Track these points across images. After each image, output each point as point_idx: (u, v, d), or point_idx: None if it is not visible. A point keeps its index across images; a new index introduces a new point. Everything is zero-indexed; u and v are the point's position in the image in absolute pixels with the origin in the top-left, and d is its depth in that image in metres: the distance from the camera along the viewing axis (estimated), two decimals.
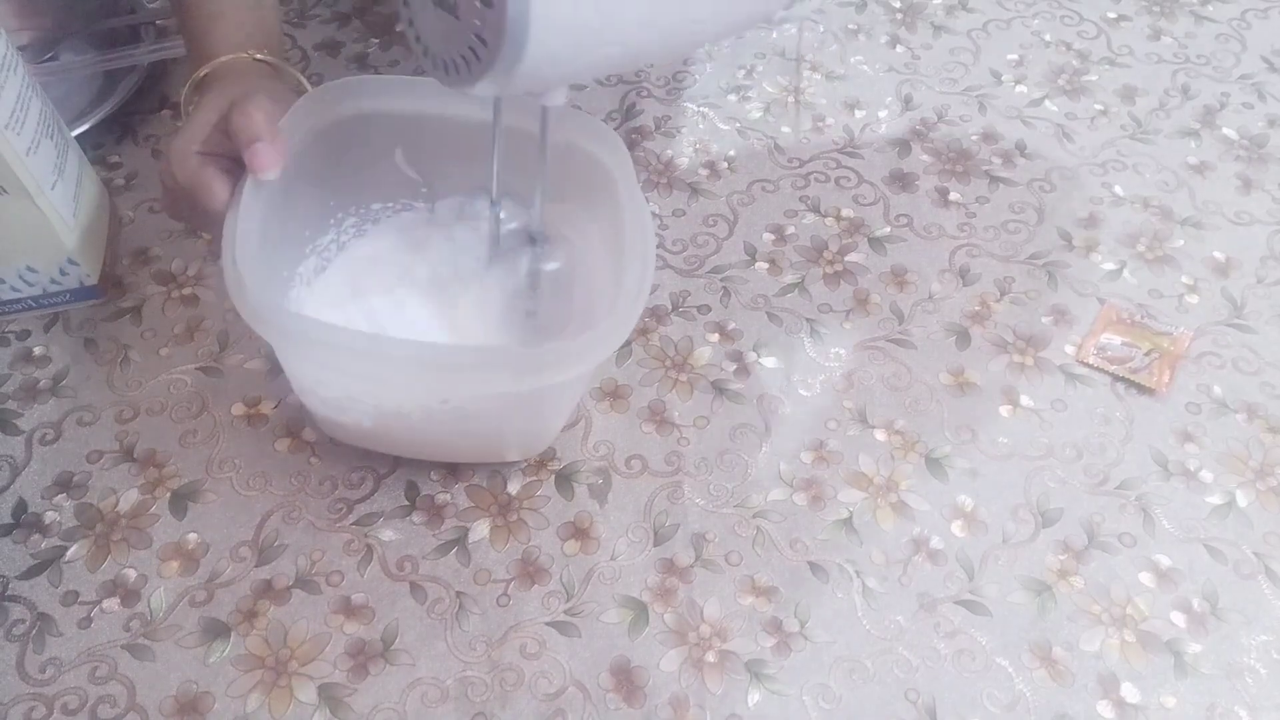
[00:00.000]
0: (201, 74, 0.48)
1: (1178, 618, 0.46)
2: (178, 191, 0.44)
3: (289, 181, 0.44)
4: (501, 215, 0.47)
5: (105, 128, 0.63)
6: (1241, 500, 0.49)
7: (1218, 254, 0.59)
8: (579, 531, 0.48)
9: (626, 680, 0.44)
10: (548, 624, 0.45)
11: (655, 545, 0.48)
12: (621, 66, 0.41)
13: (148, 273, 0.57)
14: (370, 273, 0.51)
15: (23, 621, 0.45)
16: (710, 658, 0.44)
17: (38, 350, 0.54)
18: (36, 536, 0.48)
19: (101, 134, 0.63)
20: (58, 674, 0.44)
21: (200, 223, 0.48)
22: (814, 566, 0.47)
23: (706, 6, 0.38)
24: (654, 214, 0.62)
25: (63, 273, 0.54)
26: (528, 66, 0.33)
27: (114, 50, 0.66)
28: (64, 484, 0.49)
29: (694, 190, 0.62)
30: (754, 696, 0.43)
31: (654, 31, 0.36)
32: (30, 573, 0.46)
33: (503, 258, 0.48)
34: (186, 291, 0.57)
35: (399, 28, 0.70)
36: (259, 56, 0.49)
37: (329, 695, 0.43)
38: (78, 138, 0.56)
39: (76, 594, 0.46)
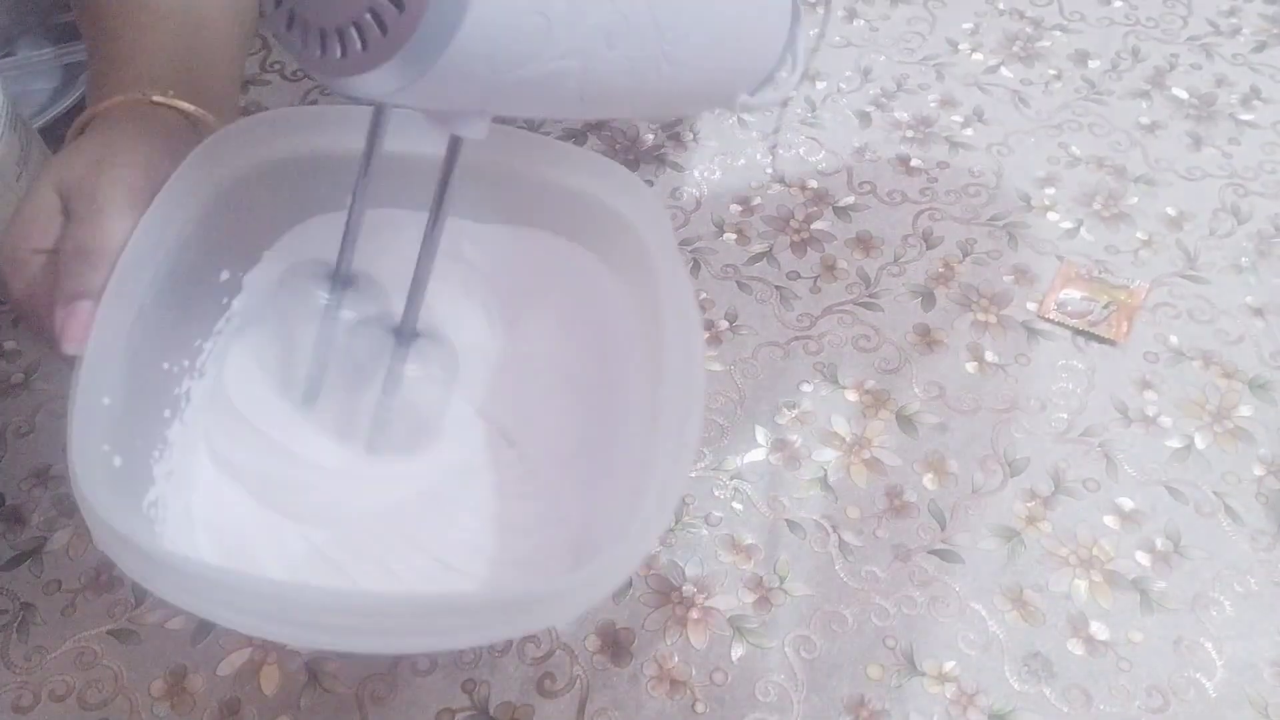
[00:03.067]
0: (81, 122, 0.37)
1: (1142, 557, 0.47)
2: (19, 305, 0.34)
3: (170, 283, 0.34)
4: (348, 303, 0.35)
5: (65, 121, 0.62)
6: (1200, 443, 0.51)
7: (1170, 209, 0.61)
8: None
9: (612, 641, 0.44)
10: None
11: None
12: (559, 99, 0.28)
13: None
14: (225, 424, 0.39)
15: (5, 612, 0.45)
16: (694, 615, 0.45)
17: (8, 345, 0.54)
18: (16, 528, 0.47)
19: (62, 127, 0.62)
20: (43, 661, 0.44)
21: (49, 334, 0.33)
22: (791, 524, 0.48)
23: (680, 42, 0.29)
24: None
25: None
26: (456, 57, 0.24)
27: (72, 43, 0.66)
28: (41, 475, 0.49)
29: (660, 163, 0.63)
30: (737, 650, 0.44)
31: (612, 55, 0.28)
32: (12, 563, 0.46)
33: (345, 359, 0.37)
34: None
35: None
36: (157, 99, 0.37)
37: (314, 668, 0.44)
38: (39, 132, 0.56)
39: (59, 583, 0.46)
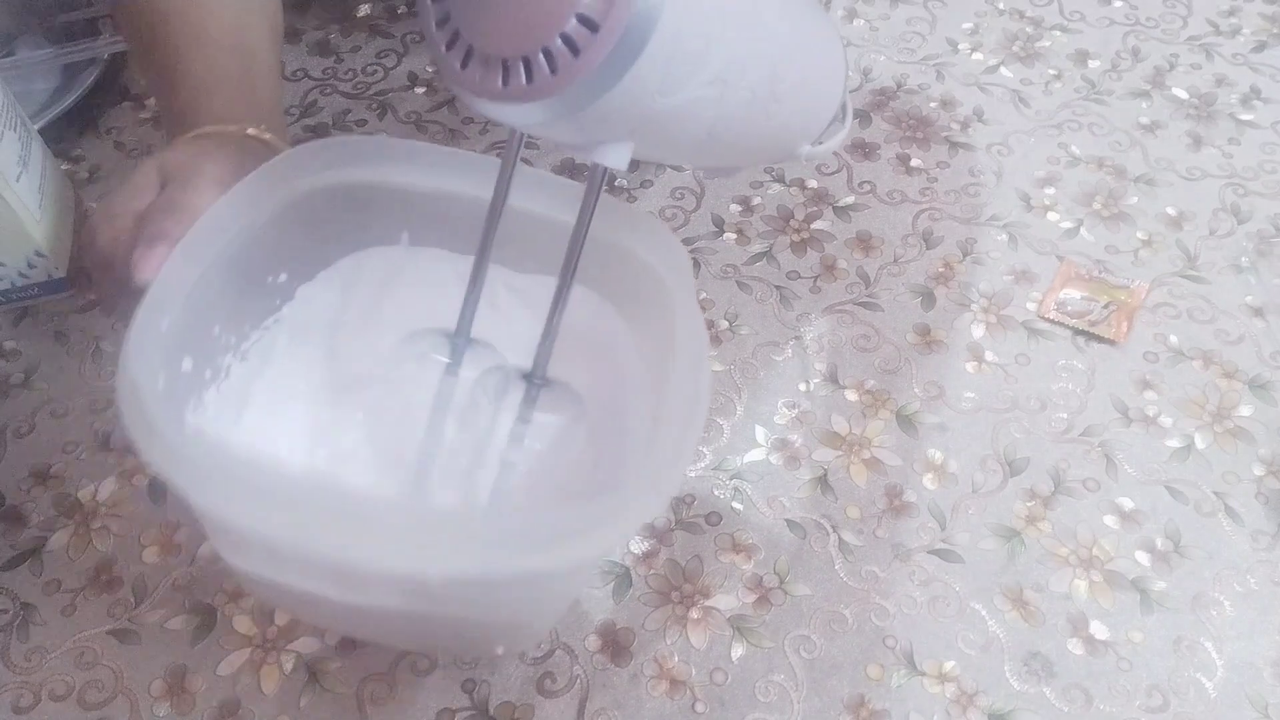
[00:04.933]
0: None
1: (1142, 557, 0.47)
2: (96, 259, 0.37)
3: (235, 263, 0.36)
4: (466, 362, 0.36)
5: (66, 121, 0.63)
6: (1200, 442, 0.51)
7: (1170, 209, 0.61)
8: None
9: (612, 641, 0.44)
10: None
11: None
12: (691, 133, 0.29)
13: None
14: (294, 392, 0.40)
15: (5, 612, 0.45)
16: (694, 615, 0.45)
17: (8, 345, 0.54)
18: (16, 528, 0.47)
19: (63, 128, 0.63)
20: (43, 661, 0.44)
21: (115, 298, 0.37)
22: (791, 524, 0.48)
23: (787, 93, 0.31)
24: (621, 187, 0.62)
25: (30, 266, 0.53)
26: (633, 80, 0.23)
27: (72, 44, 0.66)
28: (41, 475, 0.49)
29: (659, 163, 0.63)
30: (737, 650, 0.44)
31: (742, 84, 0.28)
32: (11, 563, 0.46)
33: (468, 407, 0.37)
34: None
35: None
36: (250, 132, 0.41)
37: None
38: (39, 132, 0.56)
39: (59, 582, 0.46)
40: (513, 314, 0.42)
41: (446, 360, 0.37)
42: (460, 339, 0.37)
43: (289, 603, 0.40)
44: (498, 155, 0.34)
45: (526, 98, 0.24)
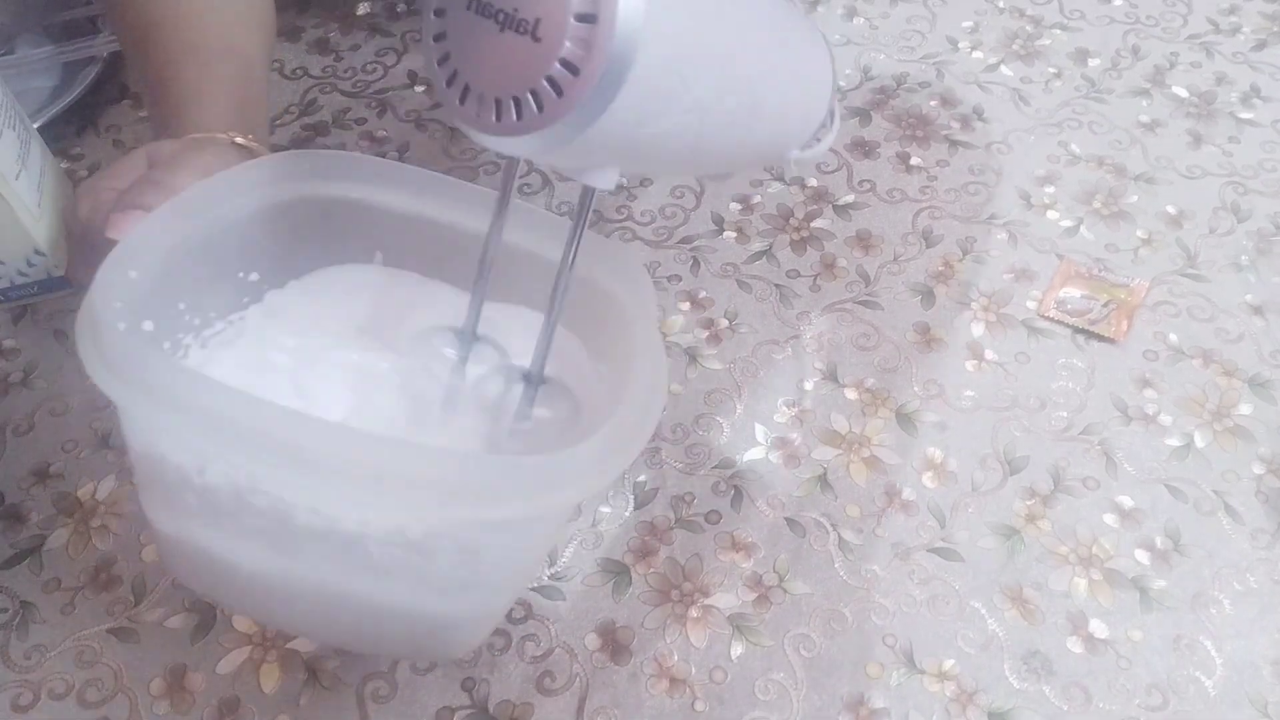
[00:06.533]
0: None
1: (1142, 555, 0.47)
2: (78, 231, 0.38)
3: (208, 248, 0.37)
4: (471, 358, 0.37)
5: (65, 120, 0.63)
6: (1200, 441, 0.51)
7: (1170, 208, 0.61)
8: None
9: (612, 640, 0.44)
10: (533, 590, 0.46)
11: (636, 509, 0.48)
12: (675, 152, 0.31)
13: None
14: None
15: (5, 610, 0.45)
16: (693, 613, 0.45)
17: (7, 343, 0.54)
18: (16, 526, 0.47)
19: (62, 126, 0.63)
20: (42, 660, 0.44)
21: (86, 267, 0.36)
22: (791, 522, 0.48)
23: (763, 109, 0.33)
24: (621, 184, 0.62)
25: (30, 264, 0.53)
26: (613, 115, 0.26)
27: (71, 42, 0.66)
28: (41, 474, 0.49)
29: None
30: (737, 649, 0.44)
31: (721, 109, 0.30)
32: (11, 562, 0.46)
33: (472, 405, 0.38)
34: None
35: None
36: (239, 140, 0.41)
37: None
38: (38, 130, 0.56)
39: (59, 581, 0.46)
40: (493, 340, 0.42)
41: (454, 357, 0.38)
42: (466, 336, 0.37)
43: (217, 583, 0.39)
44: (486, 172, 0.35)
45: (518, 132, 0.27)
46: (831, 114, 0.41)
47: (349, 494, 0.30)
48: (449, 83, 0.28)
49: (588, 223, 0.33)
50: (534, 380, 0.35)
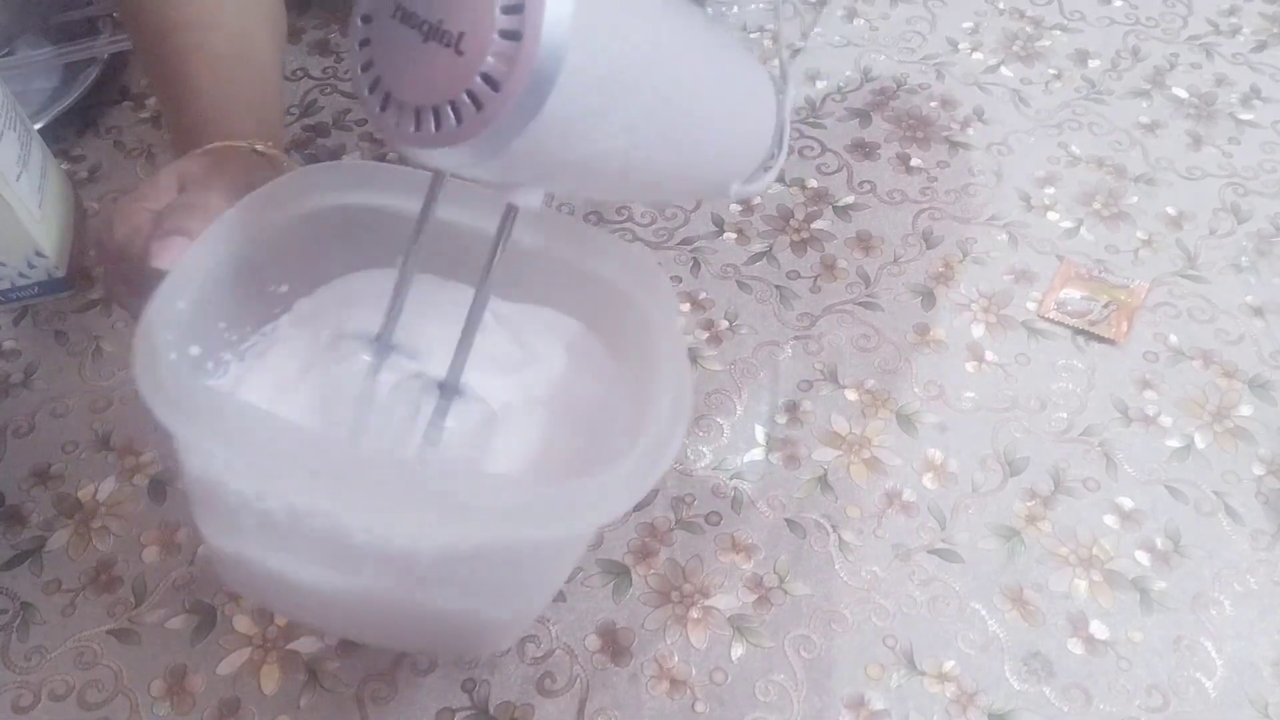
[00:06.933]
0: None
1: (1142, 556, 0.47)
2: (111, 251, 0.38)
3: (244, 266, 0.37)
4: (388, 364, 0.37)
5: (66, 121, 0.63)
6: (1200, 442, 0.51)
7: (1170, 209, 0.61)
8: None
9: (612, 641, 0.44)
10: None
11: (636, 510, 0.48)
12: (604, 175, 0.31)
13: None
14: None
15: (5, 612, 0.45)
16: (694, 615, 0.45)
17: (8, 344, 0.54)
18: (16, 527, 0.47)
19: (62, 127, 0.63)
20: (43, 661, 0.44)
21: (129, 290, 0.38)
22: (791, 524, 0.48)
23: (693, 143, 0.33)
24: None
25: (30, 265, 0.53)
26: (535, 133, 0.26)
27: (72, 43, 0.66)
28: (41, 475, 0.49)
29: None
30: (737, 650, 0.44)
31: (650, 134, 0.30)
32: (11, 563, 0.46)
33: (383, 414, 0.38)
34: None
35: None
36: (259, 148, 0.42)
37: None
38: (39, 132, 0.56)
39: (59, 582, 0.46)
40: (495, 336, 0.42)
41: (369, 361, 0.37)
42: (383, 344, 0.37)
43: (272, 594, 0.40)
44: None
45: (436, 143, 0.26)
46: (778, 145, 0.41)
47: (403, 519, 0.32)
48: (371, 89, 0.28)
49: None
50: (448, 391, 0.35)
